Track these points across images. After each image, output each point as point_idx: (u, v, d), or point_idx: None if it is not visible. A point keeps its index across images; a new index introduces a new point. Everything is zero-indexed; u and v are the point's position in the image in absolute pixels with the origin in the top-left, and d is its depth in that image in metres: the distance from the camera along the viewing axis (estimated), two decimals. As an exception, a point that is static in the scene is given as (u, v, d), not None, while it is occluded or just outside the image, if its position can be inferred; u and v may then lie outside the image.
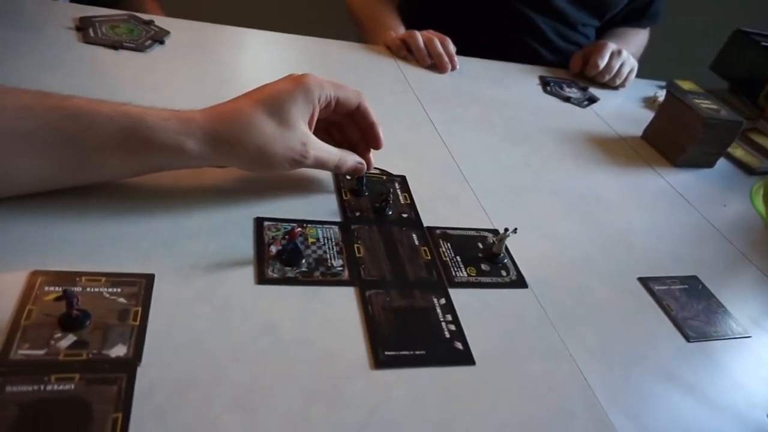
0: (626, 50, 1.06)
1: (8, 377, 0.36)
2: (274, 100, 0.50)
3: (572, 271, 0.60)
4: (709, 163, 0.88)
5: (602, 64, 1.01)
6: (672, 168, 0.85)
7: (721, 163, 0.90)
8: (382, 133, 0.59)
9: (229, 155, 0.51)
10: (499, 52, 1.04)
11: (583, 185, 0.75)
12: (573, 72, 1.06)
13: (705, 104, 0.85)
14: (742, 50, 1.16)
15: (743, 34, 1.16)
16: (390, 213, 0.59)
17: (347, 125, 0.60)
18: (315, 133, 0.54)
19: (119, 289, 0.43)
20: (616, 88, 1.06)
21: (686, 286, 0.62)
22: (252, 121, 0.49)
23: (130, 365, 0.38)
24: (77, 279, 0.43)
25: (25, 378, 0.36)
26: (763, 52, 1.13)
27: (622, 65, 1.03)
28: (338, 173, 0.61)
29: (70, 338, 0.39)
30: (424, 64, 0.94)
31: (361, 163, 0.58)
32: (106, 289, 0.43)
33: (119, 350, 0.39)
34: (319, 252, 0.52)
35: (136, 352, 0.39)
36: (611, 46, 1.03)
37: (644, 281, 0.61)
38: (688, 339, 0.55)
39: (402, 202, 0.62)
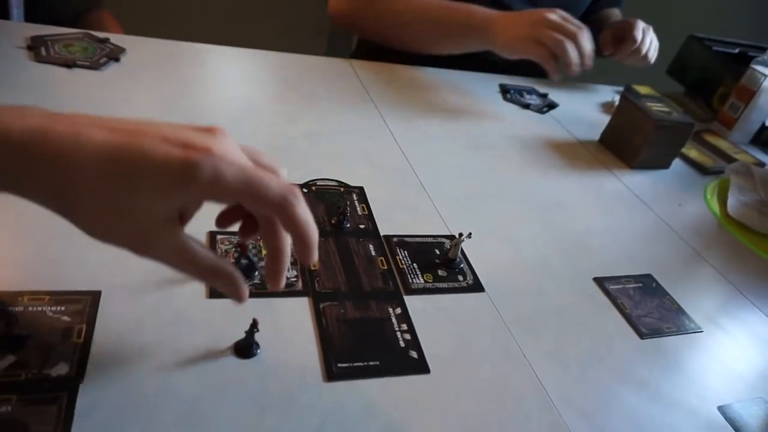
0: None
1: (-58, 401, 0.35)
2: (133, 164, 0.32)
3: (529, 274, 0.61)
4: (665, 164, 0.90)
5: (639, 37, 0.98)
6: (629, 170, 0.87)
7: (677, 164, 0.92)
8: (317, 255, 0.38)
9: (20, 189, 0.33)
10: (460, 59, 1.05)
11: (542, 190, 0.76)
12: (604, 53, 1.04)
13: (658, 107, 0.87)
14: (696, 55, 1.19)
15: (696, 39, 1.20)
16: (348, 225, 0.59)
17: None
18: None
19: (63, 307, 0.43)
20: (643, 64, 1.03)
21: (640, 285, 0.63)
22: (78, 169, 0.32)
23: (72, 384, 0.38)
24: (19, 298, 0.42)
25: (-41, 402, 0.35)
26: (715, 56, 1.17)
27: (652, 39, 1.02)
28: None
29: (9, 359, 0.38)
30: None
31: (240, 295, 0.39)
32: (49, 308, 0.42)
33: (61, 369, 0.38)
34: (273, 263, 0.52)
35: (79, 370, 0.39)
36: (641, 22, 1.01)
37: (599, 281, 0.62)
38: (641, 336, 0.56)
39: (359, 213, 0.62)
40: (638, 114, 0.85)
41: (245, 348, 0.44)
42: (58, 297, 0.43)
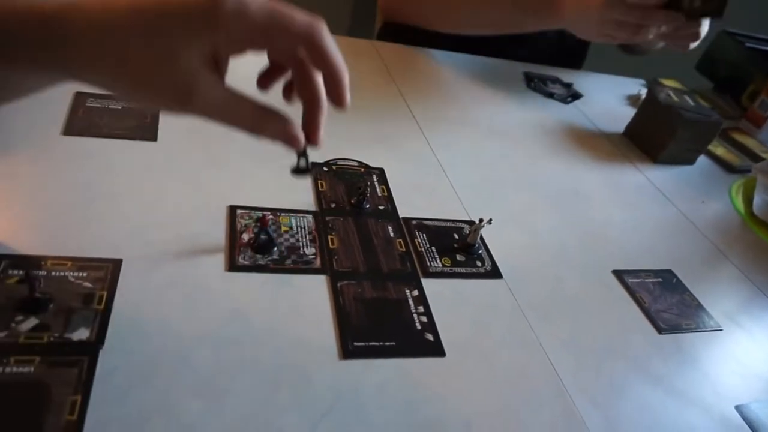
0: None
1: (-34, 358, 0.36)
2: (160, 11, 0.33)
3: (548, 263, 0.60)
4: (690, 161, 0.88)
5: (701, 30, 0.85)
6: (652, 165, 0.85)
7: (702, 160, 0.91)
8: (350, 97, 0.39)
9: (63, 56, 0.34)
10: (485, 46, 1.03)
11: (563, 180, 0.75)
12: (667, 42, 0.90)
13: (685, 103, 0.85)
14: (727, 51, 1.17)
15: (728, 35, 1.17)
16: (367, 206, 0.59)
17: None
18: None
19: (85, 273, 0.43)
20: (691, 43, 0.88)
21: (660, 280, 0.63)
22: (111, 31, 0.33)
23: (92, 348, 0.38)
24: (42, 263, 0.43)
25: (-17, 360, 0.36)
26: (747, 53, 1.14)
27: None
28: (258, 138, 0.39)
29: (32, 321, 0.39)
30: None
31: (293, 135, 0.38)
32: (71, 273, 0.43)
33: (82, 334, 0.39)
34: (292, 240, 0.52)
35: (99, 335, 0.39)
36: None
37: (618, 274, 0.61)
38: (659, 331, 0.56)
39: (379, 194, 0.62)
40: (664, 108, 0.84)
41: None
42: (80, 263, 0.44)
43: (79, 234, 0.47)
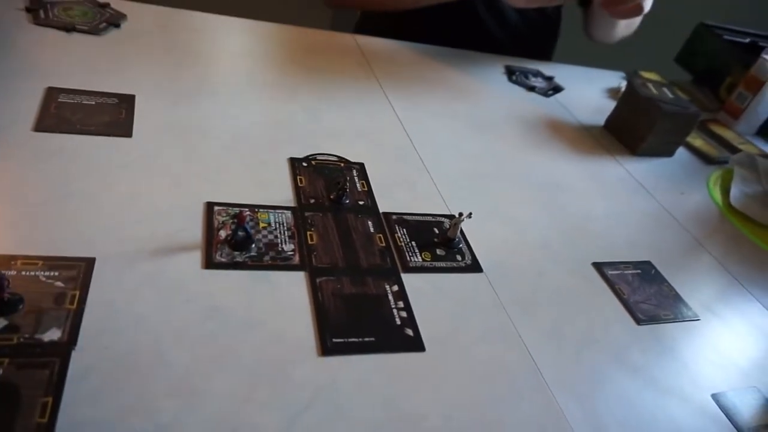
0: None
1: (-68, 362, 0.35)
2: None
3: (528, 256, 0.60)
4: (669, 152, 0.89)
5: None
6: (632, 157, 0.86)
7: (681, 152, 0.91)
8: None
9: None
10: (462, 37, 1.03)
11: (543, 173, 0.76)
12: (605, 7, 0.88)
13: (664, 95, 0.86)
14: (705, 43, 1.18)
15: (706, 27, 1.18)
16: (347, 201, 0.59)
17: None
18: None
19: (57, 273, 0.42)
20: (637, 13, 0.88)
21: (639, 271, 0.63)
22: None
23: (63, 349, 0.37)
24: (12, 262, 0.42)
25: (-50, 363, 0.35)
26: (724, 45, 1.15)
27: None
28: None
29: (1, 322, 0.38)
30: None
31: None
32: (42, 273, 0.42)
33: (53, 334, 0.38)
34: (270, 237, 0.52)
35: (72, 335, 0.38)
36: None
37: (598, 266, 0.62)
38: (638, 322, 0.56)
39: (359, 189, 0.61)
40: (644, 101, 0.84)
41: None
42: (51, 262, 0.43)
43: (51, 232, 0.46)
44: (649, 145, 0.85)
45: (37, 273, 0.42)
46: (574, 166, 0.80)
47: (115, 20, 0.77)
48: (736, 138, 1.01)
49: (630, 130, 0.87)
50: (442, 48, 1.01)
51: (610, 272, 0.61)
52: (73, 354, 0.38)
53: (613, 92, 1.05)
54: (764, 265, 0.71)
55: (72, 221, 0.47)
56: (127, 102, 0.63)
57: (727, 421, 0.49)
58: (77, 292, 0.41)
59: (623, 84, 1.05)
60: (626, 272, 0.62)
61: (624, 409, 0.47)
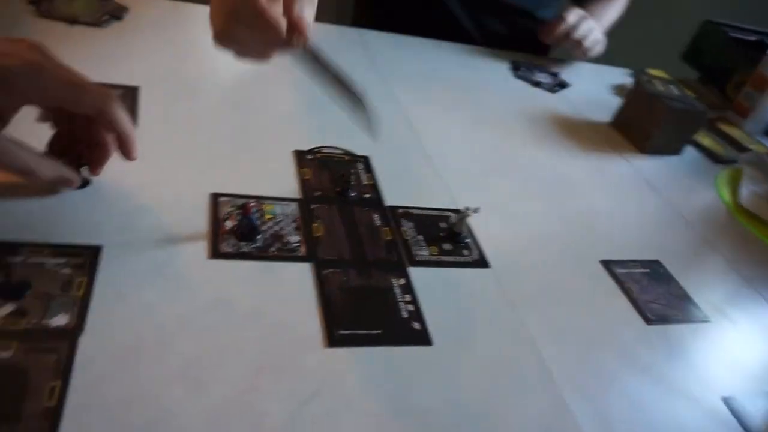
0: (606, 13, 1.04)
1: (-61, 344, 0.34)
2: None
3: (535, 252, 0.60)
4: (676, 151, 0.89)
5: (571, 19, 0.98)
6: (639, 155, 0.85)
7: (689, 151, 0.91)
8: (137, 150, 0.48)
9: None
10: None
11: (550, 169, 0.75)
12: (544, 41, 1.02)
13: (671, 93, 0.85)
14: (712, 41, 1.17)
15: (713, 24, 1.17)
16: (353, 194, 0.58)
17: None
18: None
19: (64, 260, 0.42)
20: (582, 57, 1.03)
21: (648, 270, 0.63)
22: None
23: (71, 335, 0.37)
24: (19, 249, 0.41)
25: (-43, 346, 0.35)
26: (731, 43, 1.14)
27: (589, 32, 1.00)
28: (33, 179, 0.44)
29: (9, 307, 0.38)
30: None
31: (68, 179, 0.46)
32: (49, 260, 0.41)
33: (60, 320, 0.38)
34: (276, 228, 0.51)
35: (79, 321, 0.38)
36: (579, 10, 1.00)
37: (606, 264, 0.61)
38: (647, 321, 0.56)
39: (365, 182, 0.61)
40: (652, 99, 0.84)
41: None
42: (58, 250, 0.42)
43: (58, 220, 0.45)
44: (657, 142, 0.85)
45: (44, 260, 0.41)
46: (581, 162, 0.79)
47: (117, 12, 0.77)
48: (744, 137, 1.00)
49: (637, 128, 0.87)
50: (446, 42, 1.00)
51: (618, 270, 0.61)
52: (80, 340, 0.37)
53: (619, 89, 1.04)
54: (773, 265, 0.70)
55: (79, 210, 0.47)
56: (130, 93, 0.62)
57: (738, 425, 0.48)
58: (84, 279, 0.41)
59: (629, 81, 1.05)
60: (635, 271, 0.62)
61: (633, 409, 0.47)
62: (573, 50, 1.03)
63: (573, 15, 0.99)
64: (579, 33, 0.99)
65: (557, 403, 0.45)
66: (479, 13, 1.06)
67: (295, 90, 0.74)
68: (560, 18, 0.99)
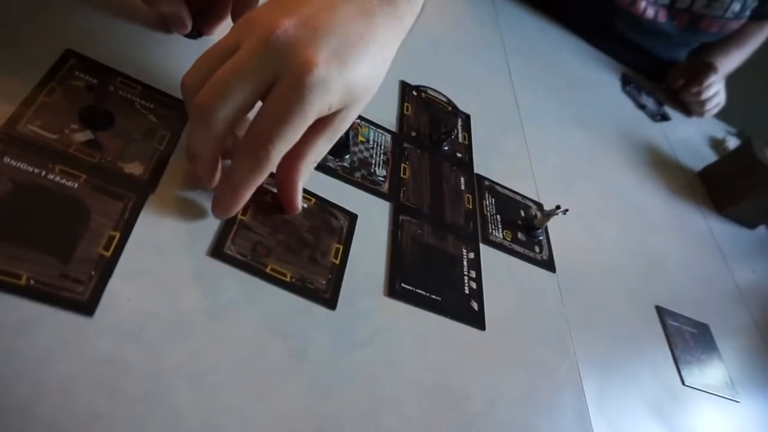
0: (733, 62, 1.00)
1: (10, 148, 0.31)
2: None
3: (600, 273, 0.57)
4: (752, 225, 0.84)
5: (706, 83, 0.95)
6: (716, 214, 0.81)
7: (761, 230, 0.87)
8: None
9: None
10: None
11: (633, 197, 0.71)
12: (672, 86, 1.00)
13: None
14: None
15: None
16: (446, 148, 0.54)
17: None
18: None
19: (153, 105, 0.38)
20: (699, 115, 1.01)
21: (696, 332, 0.60)
22: None
23: (141, 189, 0.34)
24: (112, 77, 0.38)
25: (28, 156, 0.31)
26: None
27: (715, 95, 0.97)
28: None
29: (87, 134, 0.34)
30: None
31: (183, 20, 0.41)
32: (139, 100, 0.38)
33: (135, 168, 0.34)
34: (366, 154, 0.47)
35: (153, 177, 0.35)
36: (714, 75, 0.96)
37: (660, 311, 0.58)
38: (683, 382, 0.53)
39: (461, 140, 0.57)
40: (758, 165, 0.79)
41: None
42: (151, 93, 0.39)
43: (156, 64, 0.41)
44: (741, 209, 0.81)
45: (133, 98, 0.38)
46: (661, 201, 0.75)
47: None
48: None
49: (726, 188, 0.82)
50: (569, 34, 0.94)
51: (669, 321, 0.58)
52: (150, 198, 0.34)
53: (715, 142, 0.99)
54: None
55: (179, 60, 0.43)
56: None
57: None
58: (168, 133, 0.37)
59: (729, 138, 1.00)
60: (685, 328, 0.59)
61: (654, 463, 0.45)
62: (693, 106, 1.00)
63: (710, 79, 0.96)
64: (707, 95, 0.96)
65: (584, 425, 0.43)
66: (611, 45, 0.98)
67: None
68: (707, 68, 0.96)
